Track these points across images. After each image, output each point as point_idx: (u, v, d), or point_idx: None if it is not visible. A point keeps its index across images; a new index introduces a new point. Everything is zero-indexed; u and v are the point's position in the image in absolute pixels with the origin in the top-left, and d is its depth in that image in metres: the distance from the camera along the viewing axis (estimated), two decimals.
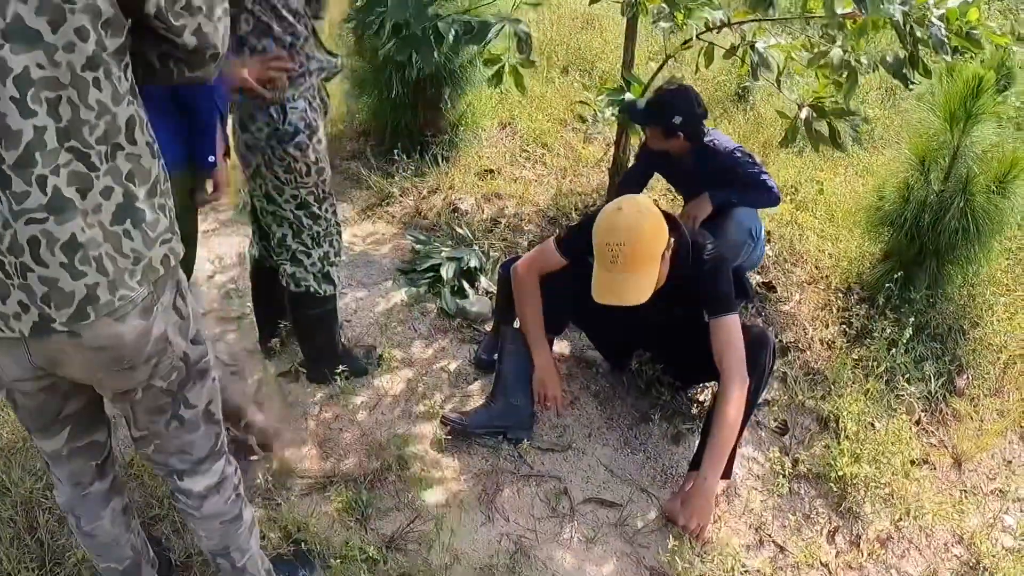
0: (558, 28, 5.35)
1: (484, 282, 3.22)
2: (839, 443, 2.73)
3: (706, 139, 3.01)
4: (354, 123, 4.27)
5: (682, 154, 3.08)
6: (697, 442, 2.58)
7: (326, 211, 2.42)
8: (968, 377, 3.21)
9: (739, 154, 3.05)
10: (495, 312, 2.92)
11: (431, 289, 3.20)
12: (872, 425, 2.86)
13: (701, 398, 2.84)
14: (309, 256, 2.47)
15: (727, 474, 2.48)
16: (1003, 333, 3.37)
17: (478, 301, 3.12)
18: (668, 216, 2.30)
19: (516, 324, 2.57)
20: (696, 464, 2.43)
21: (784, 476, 2.60)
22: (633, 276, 2.21)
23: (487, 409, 2.57)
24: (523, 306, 2.53)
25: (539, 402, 2.55)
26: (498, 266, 2.94)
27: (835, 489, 2.62)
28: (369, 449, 2.51)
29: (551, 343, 2.62)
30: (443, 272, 3.21)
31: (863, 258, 3.52)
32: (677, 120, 2.94)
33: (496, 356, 2.79)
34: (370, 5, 3.02)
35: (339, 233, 2.53)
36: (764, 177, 3.04)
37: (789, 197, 3.94)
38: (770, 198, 3.06)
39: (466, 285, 3.19)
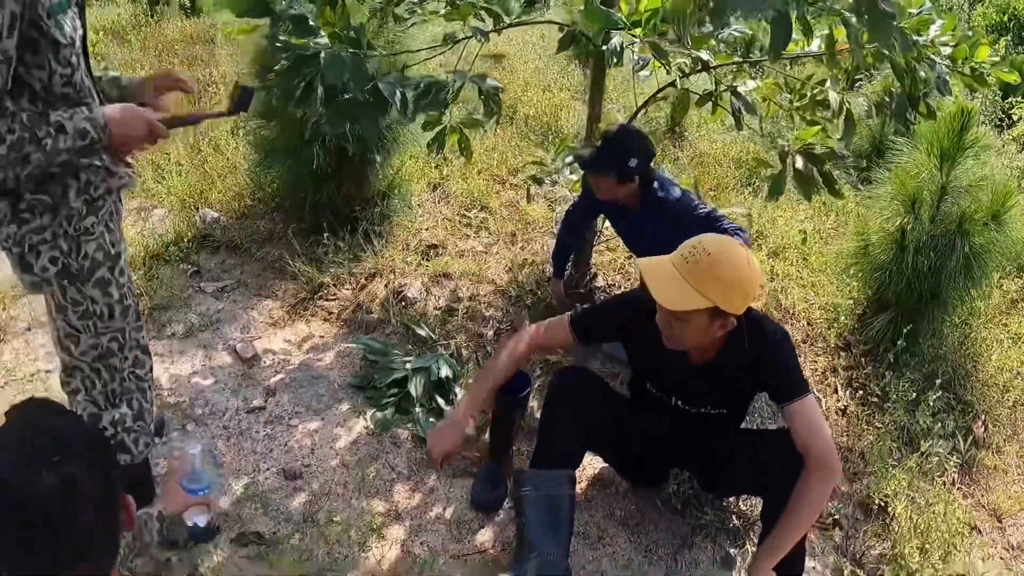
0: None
1: (461, 394, 2.71)
2: (898, 533, 2.46)
3: (655, 184, 2.72)
4: (263, 198, 3.63)
5: (632, 202, 2.76)
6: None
7: (126, 363, 1.96)
8: (984, 424, 3.03)
9: (698, 206, 2.75)
10: (491, 443, 2.43)
11: (399, 411, 2.65)
12: (919, 505, 2.57)
13: (744, 508, 2.45)
14: (99, 420, 1.98)
15: None
16: (1004, 370, 3.21)
17: None
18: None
19: (531, 464, 2.14)
20: None
21: None
22: (683, 283, 1.84)
23: (518, 571, 2.06)
24: (496, 361, 2.16)
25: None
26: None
27: None
28: None
29: (575, 480, 2.15)
30: (411, 389, 2.66)
31: (855, 308, 3.27)
32: (633, 163, 2.64)
33: (496, 493, 2.39)
34: (296, 66, 2.46)
35: (142, 391, 2.04)
36: (721, 222, 2.73)
37: (758, 244, 3.65)
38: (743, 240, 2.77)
39: (441, 401, 2.67)
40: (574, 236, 3.10)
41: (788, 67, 2.97)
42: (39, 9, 1.52)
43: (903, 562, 2.37)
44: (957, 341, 3.23)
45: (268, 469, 2.47)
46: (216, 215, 3.53)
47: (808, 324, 3.24)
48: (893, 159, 3.22)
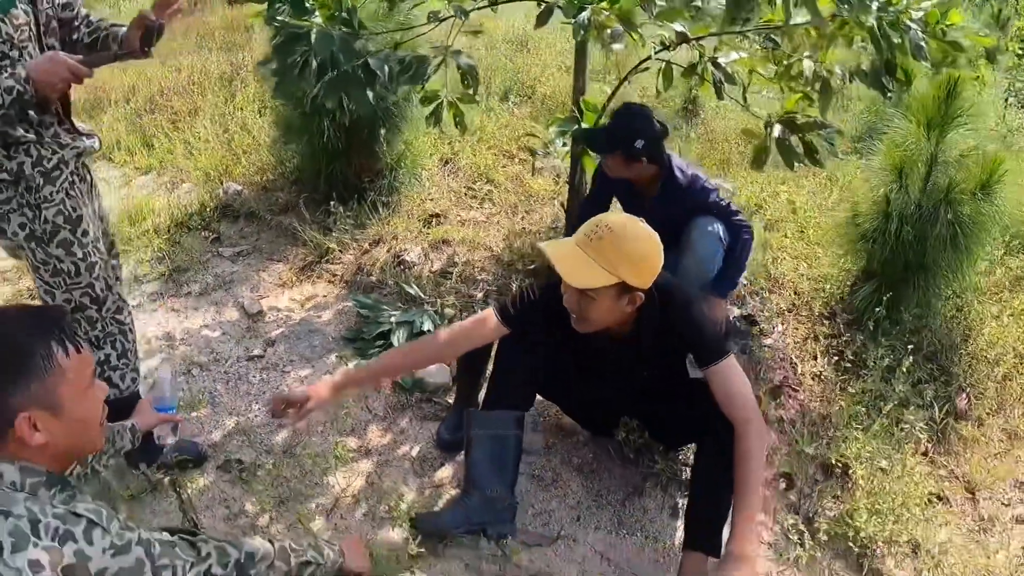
0: (492, 52, 5.07)
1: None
2: (853, 495, 2.50)
3: (675, 170, 2.75)
4: (284, 172, 3.89)
5: (645, 182, 2.83)
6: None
7: (106, 312, 2.19)
8: (968, 396, 3.01)
9: (713, 194, 2.81)
10: (457, 389, 2.59)
11: None
12: (882, 469, 2.60)
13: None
14: None
15: (715, 551, 2.07)
16: (996, 345, 3.18)
17: (436, 370, 2.78)
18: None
19: (481, 407, 2.29)
20: (693, 543, 2.11)
21: (799, 542, 2.34)
22: (589, 261, 1.89)
23: (462, 506, 2.23)
24: (403, 354, 2.41)
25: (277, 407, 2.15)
26: None
27: (854, 548, 2.38)
28: None
29: (523, 421, 2.28)
30: (394, 340, 2.86)
31: (843, 278, 3.29)
32: (639, 144, 2.68)
33: (460, 435, 2.49)
34: (289, 43, 2.67)
35: (124, 333, 2.27)
36: (737, 216, 2.83)
37: (755, 216, 3.70)
38: (751, 245, 2.86)
39: None
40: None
41: (780, 39, 3.01)
42: None
43: (850, 521, 2.41)
44: (948, 314, 3.22)
45: (258, 408, 2.70)
46: (239, 188, 3.80)
47: (795, 293, 3.28)
48: (886, 130, 3.23)
